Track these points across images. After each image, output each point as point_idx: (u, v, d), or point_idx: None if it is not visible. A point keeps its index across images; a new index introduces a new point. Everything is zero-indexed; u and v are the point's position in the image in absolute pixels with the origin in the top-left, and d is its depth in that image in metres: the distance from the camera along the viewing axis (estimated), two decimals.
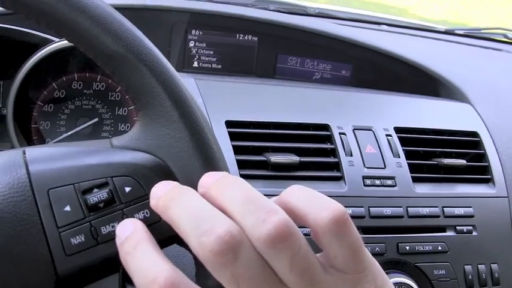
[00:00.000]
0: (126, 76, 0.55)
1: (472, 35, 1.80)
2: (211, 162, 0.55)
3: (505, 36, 1.79)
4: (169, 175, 0.55)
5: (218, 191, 0.45)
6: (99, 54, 0.54)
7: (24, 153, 0.53)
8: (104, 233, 0.51)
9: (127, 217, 0.52)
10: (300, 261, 0.41)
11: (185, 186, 0.46)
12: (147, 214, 0.53)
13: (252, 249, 0.41)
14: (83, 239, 0.51)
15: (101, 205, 0.52)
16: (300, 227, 0.42)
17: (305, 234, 0.42)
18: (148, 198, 0.48)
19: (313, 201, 0.44)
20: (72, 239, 0.50)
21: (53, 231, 0.50)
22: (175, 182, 0.48)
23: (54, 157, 0.54)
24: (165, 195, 0.46)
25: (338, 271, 0.43)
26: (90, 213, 0.51)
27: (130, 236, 0.46)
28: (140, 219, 0.51)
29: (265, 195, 0.44)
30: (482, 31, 1.85)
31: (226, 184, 0.45)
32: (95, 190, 0.52)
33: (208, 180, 0.46)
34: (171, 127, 0.55)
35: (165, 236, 0.45)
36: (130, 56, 0.54)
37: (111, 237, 0.50)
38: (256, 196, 0.43)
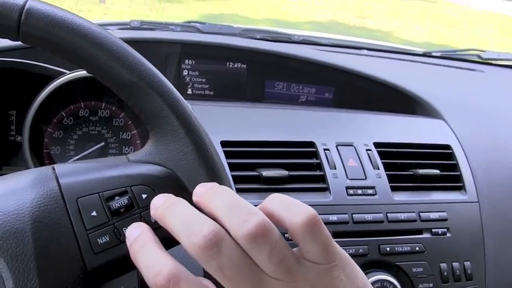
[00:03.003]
0: (140, 101, 0.61)
1: (448, 56, 1.84)
2: (213, 171, 0.62)
3: (479, 56, 1.84)
4: (178, 183, 0.61)
5: (208, 199, 0.51)
6: (116, 83, 0.61)
7: (53, 169, 0.59)
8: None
9: (144, 220, 0.58)
10: (276, 253, 0.47)
11: (178, 198, 0.53)
12: None
13: (232, 244, 0.47)
14: (108, 239, 0.56)
15: (122, 210, 0.58)
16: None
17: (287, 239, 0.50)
18: None
19: (289, 208, 0.51)
20: (98, 239, 0.56)
21: (82, 233, 0.56)
22: (170, 194, 0.54)
23: (80, 171, 0.60)
24: (162, 206, 0.52)
25: (311, 262, 0.49)
26: (113, 217, 0.57)
27: (138, 237, 0.52)
28: (153, 222, 0.56)
29: (257, 205, 0.51)
30: (458, 52, 1.88)
31: (214, 193, 0.52)
32: (117, 197, 0.58)
33: (201, 190, 0.53)
34: (179, 143, 0.61)
35: (170, 236, 0.51)
36: (143, 85, 0.60)
37: None
38: (239, 201, 0.50)
